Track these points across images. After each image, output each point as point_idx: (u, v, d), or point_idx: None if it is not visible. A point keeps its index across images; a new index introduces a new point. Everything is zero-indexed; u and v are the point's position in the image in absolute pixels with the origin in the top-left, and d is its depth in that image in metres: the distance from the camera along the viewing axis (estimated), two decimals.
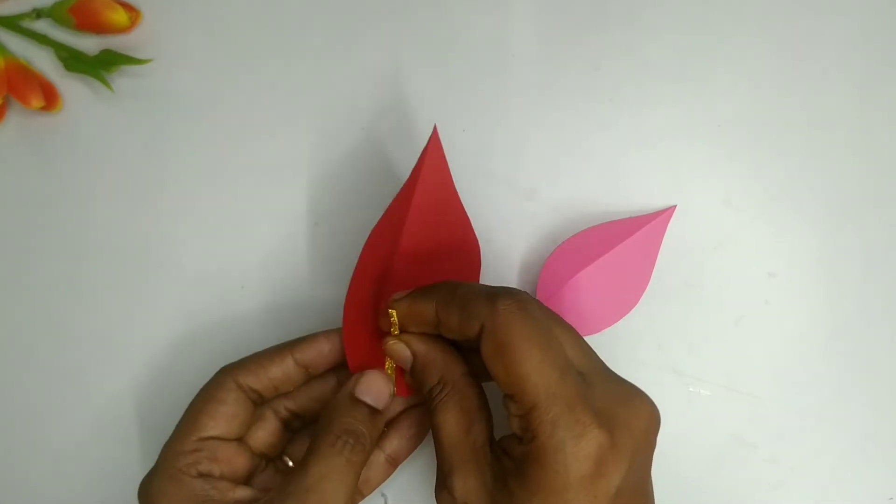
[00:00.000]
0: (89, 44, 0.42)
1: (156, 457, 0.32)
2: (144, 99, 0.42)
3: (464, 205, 0.36)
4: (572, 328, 0.32)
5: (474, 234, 0.37)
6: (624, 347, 0.40)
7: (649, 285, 0.40)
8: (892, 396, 0.40)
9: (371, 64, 0.42)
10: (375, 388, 0.33)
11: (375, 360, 0.35)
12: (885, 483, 0.40)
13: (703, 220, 0.41)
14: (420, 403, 0.36)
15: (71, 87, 0.42)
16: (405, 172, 0.41)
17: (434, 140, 0.34)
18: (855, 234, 0.41)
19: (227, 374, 0.33)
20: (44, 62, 0.42)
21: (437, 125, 0.41)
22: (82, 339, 0.41)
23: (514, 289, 0.31)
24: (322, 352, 0.34)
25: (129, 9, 0.41)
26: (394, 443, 0.35)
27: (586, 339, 0.39)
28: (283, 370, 0.34)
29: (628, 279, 0.39)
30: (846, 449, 0.40)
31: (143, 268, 0.41)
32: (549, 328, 0.30)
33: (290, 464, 0.35)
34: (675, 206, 0.40)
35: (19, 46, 0.42)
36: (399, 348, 0.33)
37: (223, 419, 0.32)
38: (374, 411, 0.32)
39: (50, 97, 0.41)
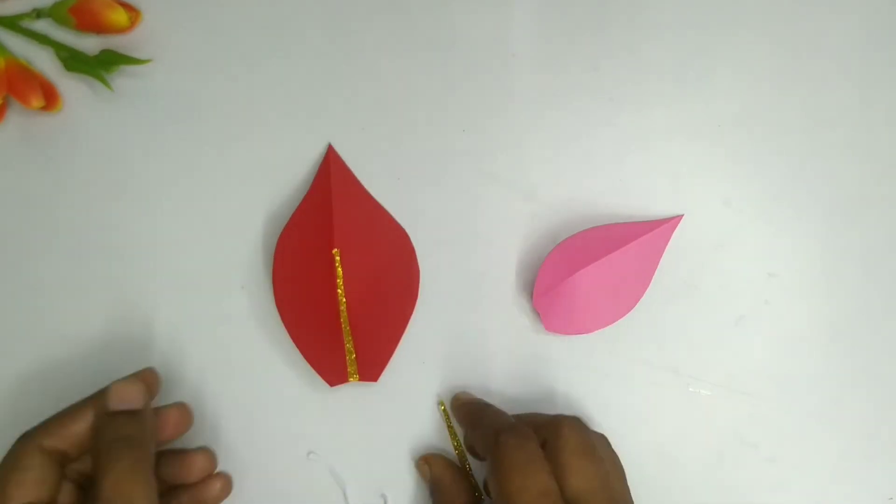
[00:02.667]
0: (89, 44, 0.42)
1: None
2: (144, 99, 0.42)
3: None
4: (608, 457, 0.35)
5: (398, 224, 0.40)
6: (624, 347, 0.40)
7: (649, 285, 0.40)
8: (892, 396, 0.40)
9: (371, 64, 0.42)
10: (127, 395, 0.33)
11: (335, 353, 0.39)
12: (885, 483, 0.40)
13: (702, 220, 0.41)
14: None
15: (71, 86, 0.42)
16: (405, 172, 0.41)
17: (331, 156, 0.40)
18: (855, 234, 0.41)
19: (28, 440, 0.32)
20: (44, 62, 0.42)
21: (438, 125, 0.42)
22: (82, 339, 0.41)
23: (521, 424, 0.34)
24: (123, 398, 0.34)
25: (129, 9, 0.41)
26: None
27: (579, 337, 0.39)
28: (85, 425, 0.33)
29: (627, 283, 0.39)
30: (846, 449, 0.40)
31: (143, 267, 0.41)
32: (538, 459, 0.32)
33: None
34: (682, 216, 0.40)
35: (19, 46, 0.42)
36: (423, 470, 0.39)
37: (31, 486, 0.31)
38: (133, 413, 0.33)
39: (50, 97, 0.41)
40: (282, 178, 0.41)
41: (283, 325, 0.39)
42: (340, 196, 0.40)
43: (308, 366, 0.39)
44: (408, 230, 0.40)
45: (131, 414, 0.33)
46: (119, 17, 0.40)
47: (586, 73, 0.42)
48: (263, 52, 0.42)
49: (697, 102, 0.41)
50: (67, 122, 0.42)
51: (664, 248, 0.40)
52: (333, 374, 0.39)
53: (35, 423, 0.33)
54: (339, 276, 0.39)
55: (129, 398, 0.33)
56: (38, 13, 0.41)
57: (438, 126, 0.42)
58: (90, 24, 0.41)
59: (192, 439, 0.40)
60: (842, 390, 0.40)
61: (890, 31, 0.42)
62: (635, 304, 0.39)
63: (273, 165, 0.41)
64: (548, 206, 0.41)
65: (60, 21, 0.41)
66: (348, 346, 0.39)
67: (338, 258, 0.39)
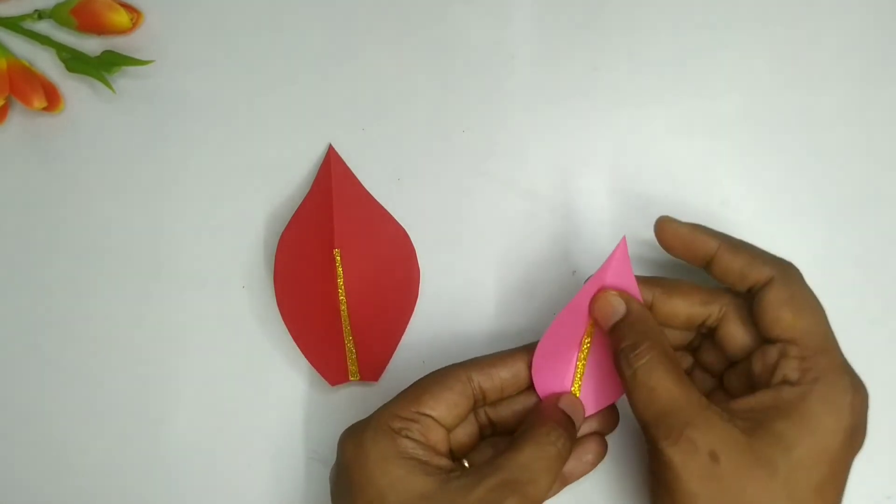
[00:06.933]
0: (91, 45, 0.42)
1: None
2: (146, 100, 0.42)
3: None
4: None
5: (399, 225, 0.40)
6: None
7: None
8: (891, 397, 0.40)
9: (371, 64, 0.42)
10: (574, 408, 0.34)
11: (335, 353, 0.39)
12: (883, 482, 0.40)
13: (700, 220, 0.41)
14: (595, 433, 0.36)
15: (73, 87, 0.42)
16: (405, 172, 0.41)
17: (332, 157, 0.41)
18: (854, 235, 0.41)
19: (461, 367, 0.34)
20: (46, 63, 0.42)
21: (438, 125, 0.42)
22: (83, 339, 0.41)
23: None
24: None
25: (131, 10, 0.41)
26: (569, 463, 0.35)
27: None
28: (512, 373, 0.34)
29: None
30: None
31: (144, 267, 0.41)
32: None
33: (467, 465, 0.35)
34: (623, 237, 0.34)
35: (21, 47, 0.42)
36: (616, 300, 0.33)
37: (444, 404, 0.33)
38: (569, 435, 0.33)
39: (52, 98, 0.41)
40: (282, 179, 0.41)
41: (283, 324, 0.39)
42: (341, 196, 0.40)
43: (309, 365, 0.39)
44: (408, 230, 0.40)
45: (571, 424, 0.34)
46: (120, 18, 0.40)
47: (585, 73, 0.42)
48: (264, 53, 0.42)
49: (696, 102, 0.41)
50: (69, 122, 0.42)
51: (631, 274, 0.34)
52: (334, 373, 0.39)
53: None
54: (340, 275, 0.39)
55: (575, 413, 0.34)
56: (39, 14, 0.42)
57: (438, 126, 0.42)
58: (92, 25, 0.41)
59: (192, 438, 0.40)
60: None
61: (888, 32, 0.42)
62: None
63: (274, 166, 0.41)
64: (548, 206, 0.41)
65: (62, 22, 0.41)
66: (349, 345, 0.39)
67: (338, 258, 0.39)
